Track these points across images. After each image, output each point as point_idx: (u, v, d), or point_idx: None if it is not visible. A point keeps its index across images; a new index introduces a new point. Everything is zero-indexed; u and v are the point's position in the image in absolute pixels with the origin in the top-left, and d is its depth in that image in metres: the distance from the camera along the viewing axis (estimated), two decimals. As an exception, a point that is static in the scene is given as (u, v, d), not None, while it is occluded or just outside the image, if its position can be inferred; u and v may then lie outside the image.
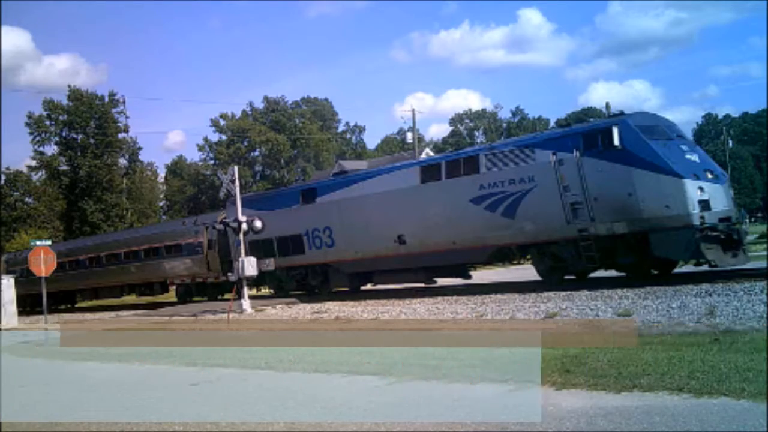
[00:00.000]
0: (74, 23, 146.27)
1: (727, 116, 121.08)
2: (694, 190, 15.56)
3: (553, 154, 17.40)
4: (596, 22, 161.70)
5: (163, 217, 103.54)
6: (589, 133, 17.17)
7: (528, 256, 19.63)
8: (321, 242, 22.77)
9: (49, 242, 19.18)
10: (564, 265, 18.00)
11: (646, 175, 15.92)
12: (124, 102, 72.72)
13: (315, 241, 22.93)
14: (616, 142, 16.11)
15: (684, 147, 16.83)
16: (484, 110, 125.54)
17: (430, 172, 20.33)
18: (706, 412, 5.57)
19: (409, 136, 58.66)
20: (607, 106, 53.86)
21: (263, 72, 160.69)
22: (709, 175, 16.18)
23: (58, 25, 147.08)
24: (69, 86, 71.64)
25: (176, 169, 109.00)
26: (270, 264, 22.32)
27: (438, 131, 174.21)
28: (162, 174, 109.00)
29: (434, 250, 19.87)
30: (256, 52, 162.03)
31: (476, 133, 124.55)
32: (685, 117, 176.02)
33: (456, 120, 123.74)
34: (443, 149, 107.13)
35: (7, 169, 74.40)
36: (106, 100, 71.47)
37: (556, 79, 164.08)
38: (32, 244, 18.89)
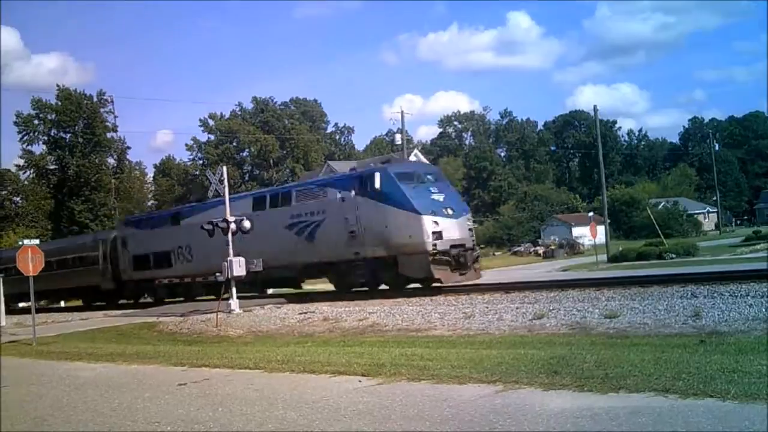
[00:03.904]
0: (63, 22, 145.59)
1: (713, 120, 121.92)
2: (430, 224, 18.75)
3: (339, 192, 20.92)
4: (584, 26, 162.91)
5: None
6: (360, 177, 20.75)
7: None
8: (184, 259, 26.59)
9: (36, 241, 19.03)
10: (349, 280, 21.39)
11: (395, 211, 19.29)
12: (112, 101, 72.58)
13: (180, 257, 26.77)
14: (377, 185, 19.45)
15: (433, 189, 20.20)
16: (472, 112, 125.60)
17: (259, 202, 24.15)
18: (692, 413, 5.61)
19: (398, 137, 58.88)
20: (595, 109, 54.44)
21: (252, 73, 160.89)
22: (449, 211, 19.47)
23: (47, 25, 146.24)
24: (57, 85, 71.54)
25: (165, 168, 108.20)
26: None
27: (427, 133, 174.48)
28: (150, 174, 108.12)
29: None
30: (245, 52, 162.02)
31: (465, 135, 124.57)
32: (671, 120, 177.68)
33: (444, 122, 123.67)
34: (432, 151, 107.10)
35: (-5, 168, 73.87)
36: (95, 99, 71.20)
37: (545, 82, 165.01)
38: (20, 243, 18.78)
